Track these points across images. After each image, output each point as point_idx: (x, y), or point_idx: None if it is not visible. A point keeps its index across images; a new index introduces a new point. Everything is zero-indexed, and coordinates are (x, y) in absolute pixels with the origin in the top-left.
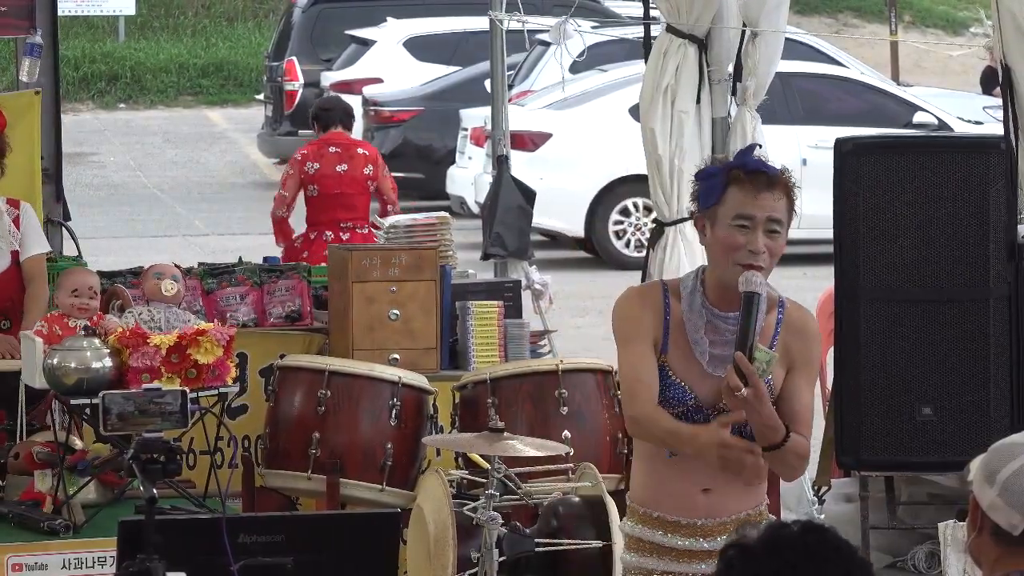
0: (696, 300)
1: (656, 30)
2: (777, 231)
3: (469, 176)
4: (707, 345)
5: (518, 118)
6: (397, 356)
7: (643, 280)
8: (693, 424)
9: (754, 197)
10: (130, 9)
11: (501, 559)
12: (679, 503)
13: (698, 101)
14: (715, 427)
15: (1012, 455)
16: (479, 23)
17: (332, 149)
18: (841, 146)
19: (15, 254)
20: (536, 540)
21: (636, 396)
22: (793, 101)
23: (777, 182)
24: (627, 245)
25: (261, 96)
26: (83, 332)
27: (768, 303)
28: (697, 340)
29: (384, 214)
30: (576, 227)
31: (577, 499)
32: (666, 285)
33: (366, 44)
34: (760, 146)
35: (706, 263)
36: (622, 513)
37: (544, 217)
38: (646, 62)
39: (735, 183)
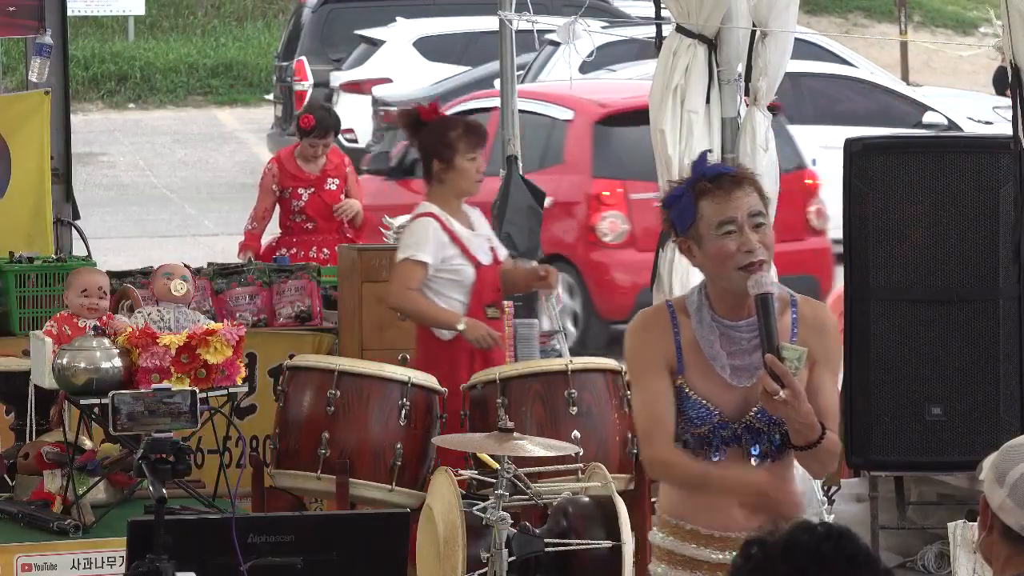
0: (705, 315)
1: (666, 30)
2: (762, 223)
3: None
4: (726, 358)
5: None
6: (407, 356)
7: (652, 280)
8: (718, 466)
9: (728, 199)
10: (139, 9)
11: (511, 559)
12: (714, 516)
13: (708, 101)
14: (749, 471)
15: (1022, 456)
16: (489, 23)
17: None
18: (851, 146)
19: (494, 250)
20: (546, 540)
21: (651, 438)
22: (803, 101)
23: (742, 178)
24: None
25: (271, 96)
26: (93, 332)
27: (780, 304)
28: (715, 355)
29: None
30: None
31: (587, 499)
32: (672, 305)
33: (376, 44)
34: (710, 151)
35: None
36: (631, 513)
37: None
38: None
39: (704, 195)
